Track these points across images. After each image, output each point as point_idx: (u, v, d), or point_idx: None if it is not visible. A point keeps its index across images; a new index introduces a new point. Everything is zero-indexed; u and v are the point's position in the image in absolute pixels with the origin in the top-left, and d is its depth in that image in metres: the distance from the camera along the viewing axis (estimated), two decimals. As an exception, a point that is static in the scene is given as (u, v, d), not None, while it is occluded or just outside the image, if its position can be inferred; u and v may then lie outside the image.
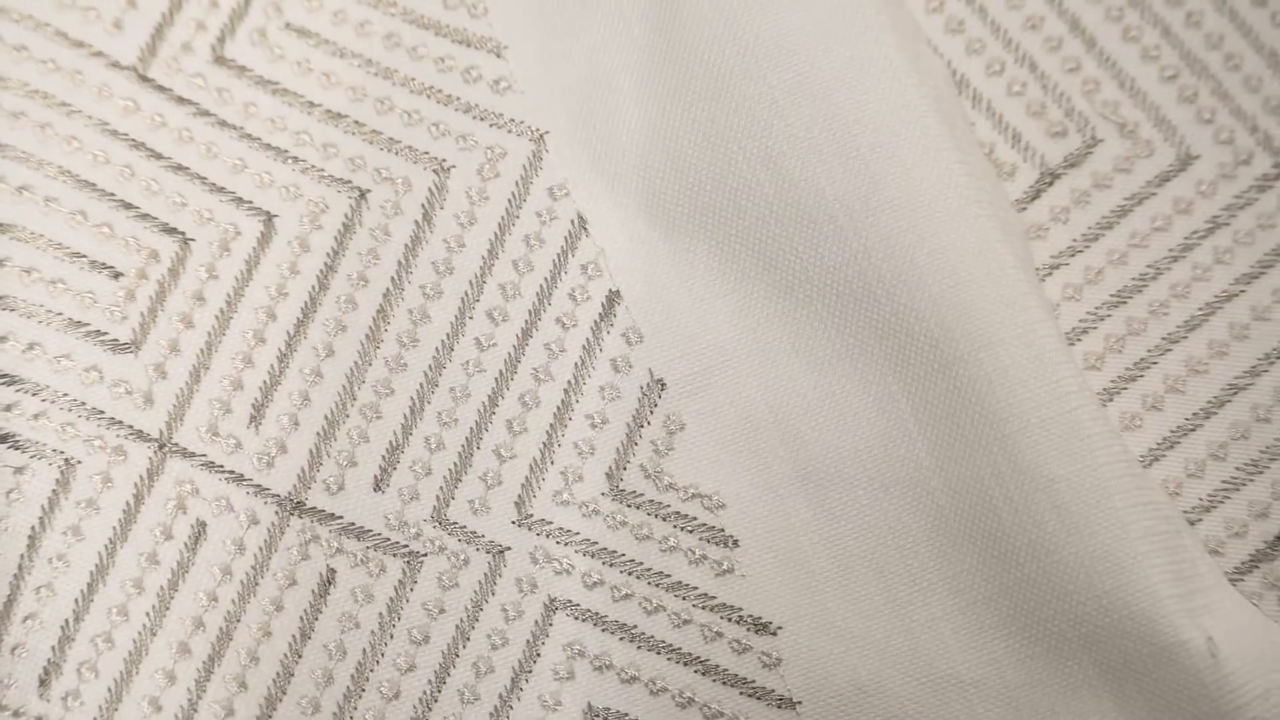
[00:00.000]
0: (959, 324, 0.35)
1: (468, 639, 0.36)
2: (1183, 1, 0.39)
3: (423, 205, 0.39)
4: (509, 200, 0.38)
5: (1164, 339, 0.38)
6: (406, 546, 0.37)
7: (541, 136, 0.39)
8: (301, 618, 0.36)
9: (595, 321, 0.38)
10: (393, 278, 0.38)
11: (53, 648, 0.36)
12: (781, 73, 0.37)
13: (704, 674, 0.36)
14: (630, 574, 0.37)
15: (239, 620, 0.36)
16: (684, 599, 0.37)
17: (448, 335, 0.38)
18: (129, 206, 0.38)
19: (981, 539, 0.36)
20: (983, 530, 0.35)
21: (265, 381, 0.37)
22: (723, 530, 0.37)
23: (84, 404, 0.37)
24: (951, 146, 0.37)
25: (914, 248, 0.36)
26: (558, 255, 0.38)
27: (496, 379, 0.38)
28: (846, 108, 0.36)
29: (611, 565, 0.37)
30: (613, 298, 0.38)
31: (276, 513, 0.37)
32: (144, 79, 0.39)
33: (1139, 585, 0.34)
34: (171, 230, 0.38)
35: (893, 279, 0.36)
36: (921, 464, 0.36)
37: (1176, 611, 0.34)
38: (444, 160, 0.39)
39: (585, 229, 0.38)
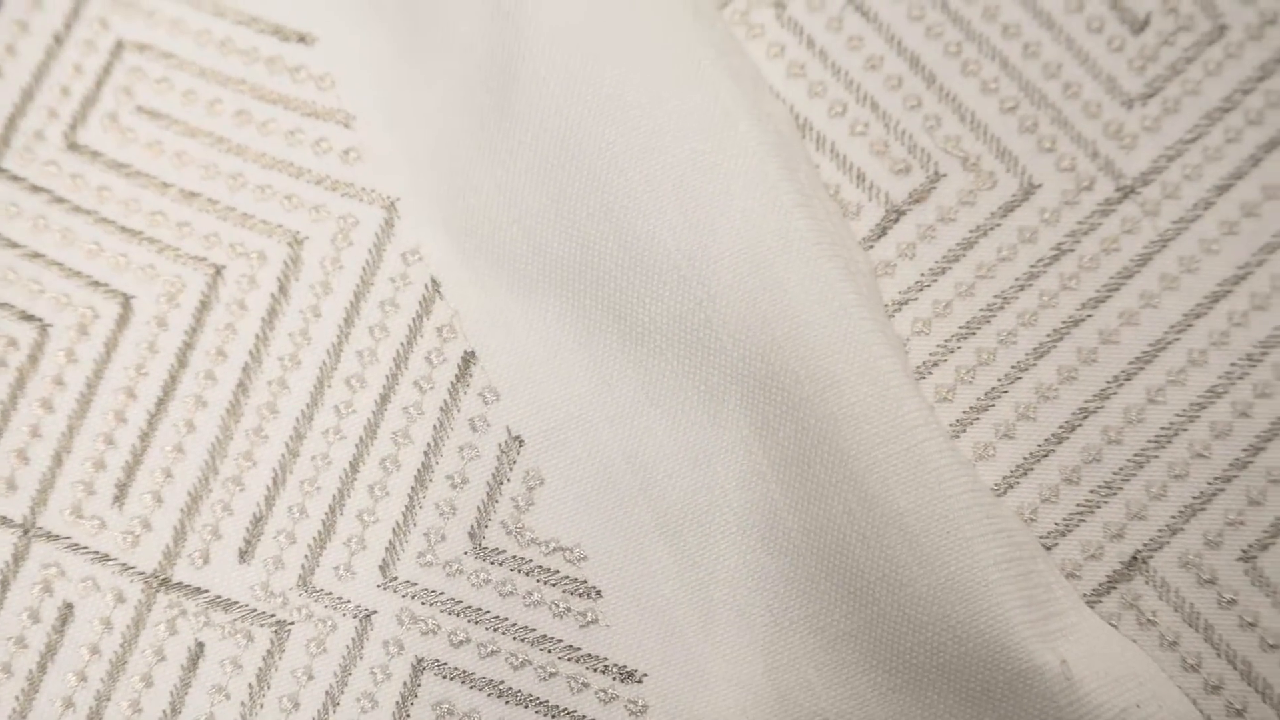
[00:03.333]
0: (803, 366, 0.39)
1: (337, 704, 0.39)
2: (1020, 33, 0.43)
3: (278, 278, 0.42)
4: (363, 268, 0.42)
5: (1014, 367, 0.41)
6: (274, 615, 0.40)
7: (393, 203, 0.42)
8: (171, 692, 0.39)
9: (452, 383, 0.41)
10: (251, 351, 0.41)
11: (-71, 735, 0.39)
12: (619, 128, 0.40)
13: (571, 725, 0.39)
14: (496, 630, 0.40)
15: (109, 699, 0.39)
16: (549, 652, 0.40)
17: (307, 405, 0.41)
18: (-13, 296, 0.41)
19: (838, 576, 0.39)
20: (839, 567, 0.38)
21: (128, 461, 0.41)
22: (585, 582, 0.40)
23: (-51, 495, 0.40)
24: (791, 190, 0.40)
25: (756, 292, 0.39)
26: (413, 319, 0.41)
27: (357, 445, 0.41)
28: (683, 159, 0.40)
29: (477, 623, 0.40)
30: (468, 358, 0.41)
31: (143, 589, 0.40)
32: (-1, 170, 0.42)
33: (992, 613, 0.37)
34: (29, 317, 0.41)
35: (737, 325, 0.39)
36: (777, 505, 0.39)
37: (1030, 637, 0.37)
38: (298, 232, 0.42)
39: (439, 292, 0.42)
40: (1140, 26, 0.42)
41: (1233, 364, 0.40)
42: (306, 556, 0.40)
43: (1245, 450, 0.40)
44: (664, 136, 0.40)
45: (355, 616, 0.40)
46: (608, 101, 0.40)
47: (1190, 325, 0.41)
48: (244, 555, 0.40)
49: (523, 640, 0.39)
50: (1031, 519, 0.40)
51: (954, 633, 0.37)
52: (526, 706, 0.39)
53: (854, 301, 0.39)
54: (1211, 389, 0.40)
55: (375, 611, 0.40)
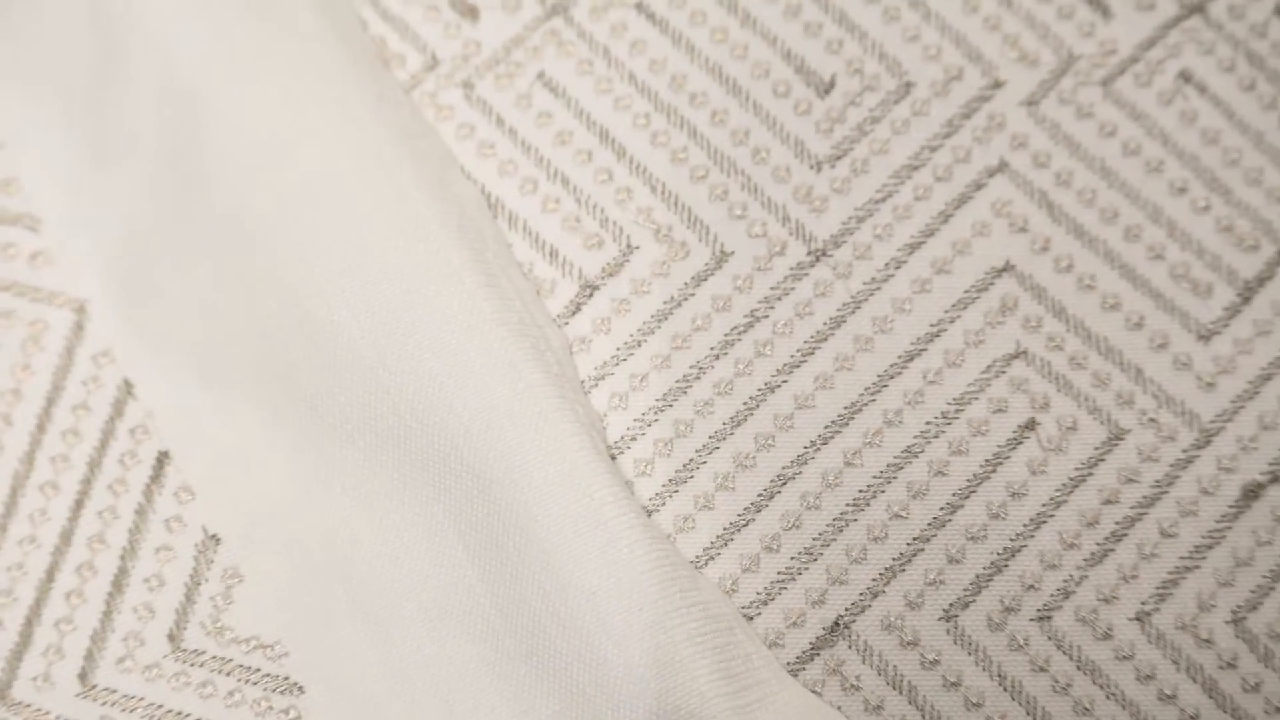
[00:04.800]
0: (490, 447, 0.40)
1: (36, 817, 0.40)
2: (707, 101, 0.44)
3: (-32, 387, 0.43)
4: (54, 372, 0.43)
5: (711, 438, 0.42)
6: (-30, 731, 0.41)
7: (82, 306, 0.43)
8: None
9: (146, 484, 0.42)
10: (-58, 463, 0.42)
11: None
12: (299, 219, 0.41)
13: (270, 826, 0.40)
14: (197, 733, 0.41)
15: None
16: (251, 752, 0.40)
17: (1, 514, 0.42)
18: None
19: (536, 658, 0.39)
20: (536, 649, 0.39)
21: None
22: (288, 678, 0.41)
23: None
24: (475, 271, 0.41)
25: (441, 376, 0.40)
26: (105, 422, 0.42)
27: (53, 552, 0.42)
28: (364, 246, 0.41)
29: (178, 727, 0.41)
30: (162, 458, 0.42)
31: None
32: None
33: (687, 689, 0.38)
34: None
35: (424, 410, 0.40)
36: (474, 590, 0.40)
37: (726, 710, 0.38)
38: (-12, 339, 0.43)
39: (131, 393, 0.42)
40: (826, 89, 0.44)
41: (928, 423, 0.41)
42: (3, 669, 0.41)
43: (943, 509, 0.41)
44: (344, 225, 0.41)
45: (54, 728, 0.40)
46: (287, 193, 0.41)
47: (885, 386, 0.42)
48: (-62, 672, 0.41)
49: (224, 742, 0.40)
50: (733, 589, 0.41)
51: (651, 710, 0.38)
52: (228, 809, 0.40)
53: (540, 380, 0.40)
54: (908, 449, 0.41)
55: (75, 721, 0.40)
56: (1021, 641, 0.40)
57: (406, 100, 0.43)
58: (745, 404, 0.42)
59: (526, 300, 0.42)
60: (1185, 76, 0.43)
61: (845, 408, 0.42)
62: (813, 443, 0.41)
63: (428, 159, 0.42)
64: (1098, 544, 0.40)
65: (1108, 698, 0.39)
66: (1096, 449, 0.41)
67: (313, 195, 0.41)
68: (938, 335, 0.42)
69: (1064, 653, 0.40)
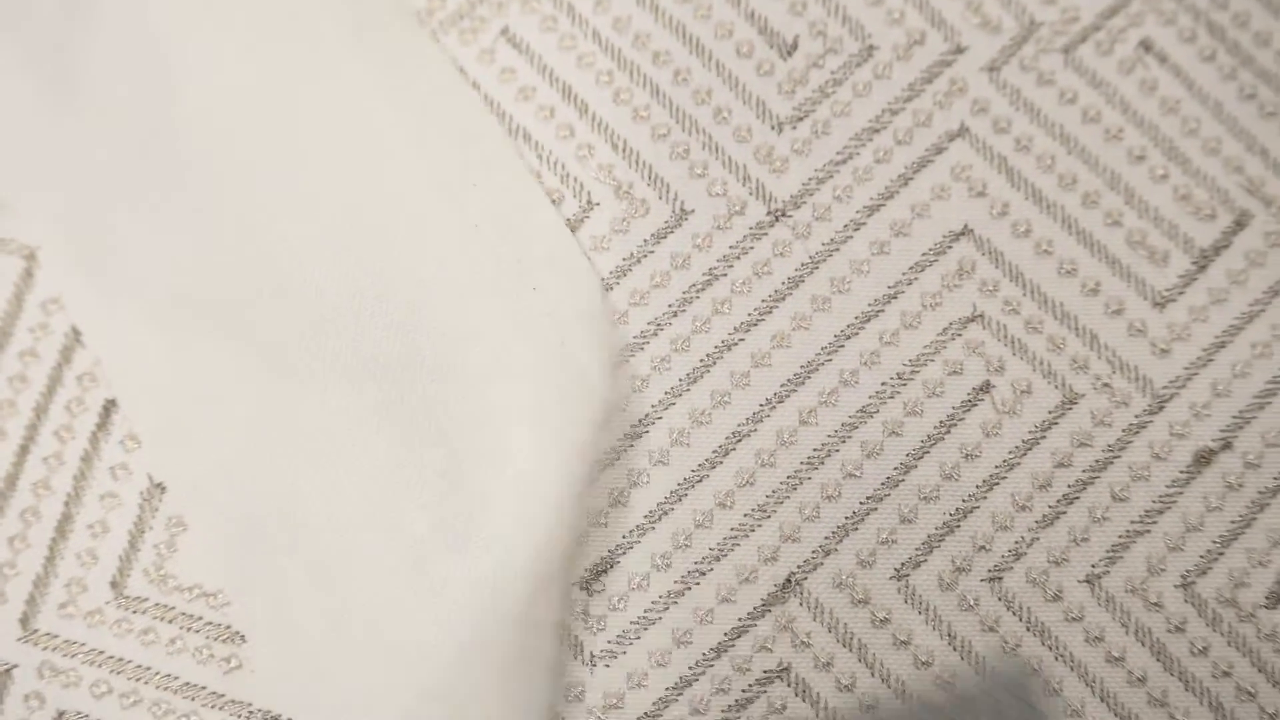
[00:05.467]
0: (453, 393, 0.40)
1: (-28, 762, 0.40)
2: (670, 60, 0.44)
3: (-86, 329, 0.42)
4: (2, 318, 0.42)
5: (668, 393, 0.42)
6: (-93, 674, 0.40)
7: (33, 253, 0.43)
8: None
9: (93, 431, 0.42)
10: (-114, 405, 0.42)
11: None
12: (273, 176, 0.41)
13: (211, 773, 0.40)
14: (138, 680, 0.40)
15: None
16: (193, 699, 0.40)
17: (-55, 459, 0.42)
18: None
19: (482, 615, 0.39)
20: (483, 606, 0.39)
21: None
22: (229, 627, 0.41)
23: None
24: (451, 226, 0.41)
25: (414, 330, 0.40)
26: (53, 368, 0.42)
27: (-4, 497, 0.41)
28: (337, 206, 0.41)
29: (119, 673, 0.40)
30: (109, 406, 0.42)
31: None
32: None
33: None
34: None
35: (390, 358, 0.40)
36: (421, 535, 0.40)
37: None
38: (-64, 283, 0.43)
39: (80, 340, 0.42)
40: (789, 50, 0.44)
41: (883, 383, 0.41)
42: (-58, 613, 0.40)
43: (896, 469, 0.41)
44: (331, 179, 0.41)
45: (-6, 672, 0.40)
46: (261, 150, 0.41)
47: (842, 346, 0.42)
48: (-122, 615, 0.40)
49: (165, 688, 0.40)
50: (687, 544, 0.41)
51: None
52: (169, 757, 0.39)
53: (511, 336, 0.40)
54: (863, 409, 0.41)
55: (16, 665, 0.40)
56: (972, 602, 0.40)
57: (391, 25, 0.43)
58: (702, 361, 0.42)
59: (507, 249, 0.42)
60: (1146, 46, 0.43)
61: (802, 367, 0.42)
62: (769, 400, 0.42)
63: (405, 108, 0.42)
64: (1049, 506, 0.40)
65: (1056, 659, 0.39)
66: (1050, 412, 0.41)
67: (285, 145, 0.41)
68: (895, 297, 0.42)
69: (1014, 613, 0.40)
